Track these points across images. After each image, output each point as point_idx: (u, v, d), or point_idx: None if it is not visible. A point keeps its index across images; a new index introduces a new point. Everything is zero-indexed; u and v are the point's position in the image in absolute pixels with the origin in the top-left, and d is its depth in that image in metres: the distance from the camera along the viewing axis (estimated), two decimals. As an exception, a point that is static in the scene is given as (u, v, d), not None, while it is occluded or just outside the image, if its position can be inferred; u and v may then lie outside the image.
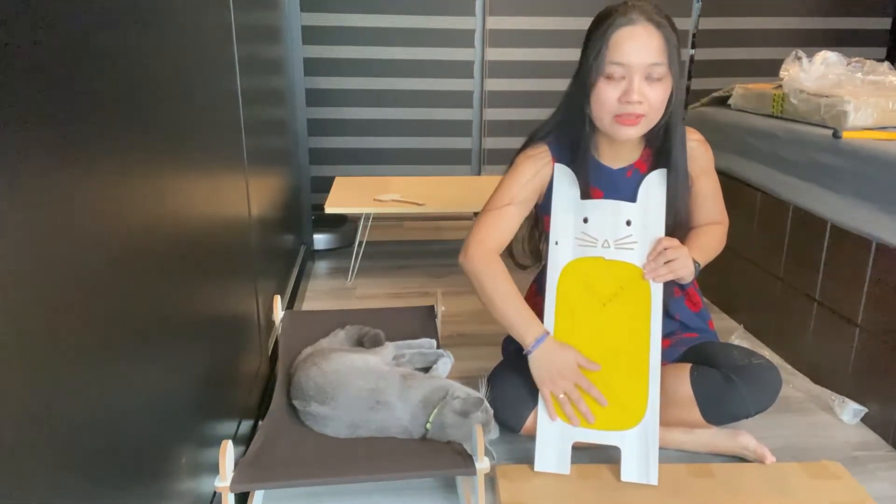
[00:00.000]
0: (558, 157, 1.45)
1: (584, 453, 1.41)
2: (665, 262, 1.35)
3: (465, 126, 3.16)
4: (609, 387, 1.36)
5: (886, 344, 1.53)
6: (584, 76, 1.32)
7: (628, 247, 1.39)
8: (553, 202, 1.43)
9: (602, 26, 1.29)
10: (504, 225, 1.44)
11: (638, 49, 1.26)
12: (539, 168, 1.44)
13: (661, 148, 1.40)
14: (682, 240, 1.42)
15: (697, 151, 1.45)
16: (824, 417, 1.63)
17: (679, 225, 1.42)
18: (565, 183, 1.43)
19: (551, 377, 1.36)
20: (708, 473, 1.37)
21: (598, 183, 1.43)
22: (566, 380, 1.35)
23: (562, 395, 1.35)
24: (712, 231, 1.49)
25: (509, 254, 1.53)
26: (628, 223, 1.39)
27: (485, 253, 1.42)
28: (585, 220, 1.41)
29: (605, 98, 1.30)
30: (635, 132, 1.33)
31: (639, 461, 1.33)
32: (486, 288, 1.41)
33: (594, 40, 1.29)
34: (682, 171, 1.40)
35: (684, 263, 1.35)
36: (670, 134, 1.37)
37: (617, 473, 1.34)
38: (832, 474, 1.37)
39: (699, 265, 1.41)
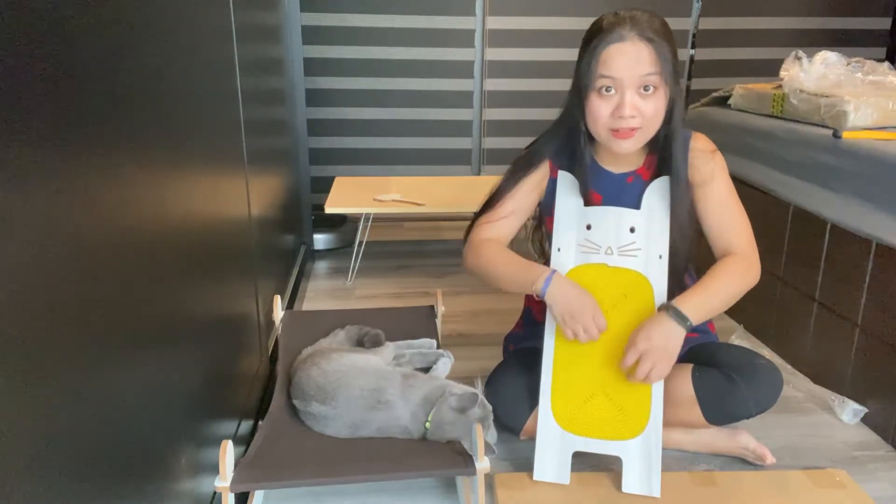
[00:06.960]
0: (558, 162, 1.44)
1: (584, 461, 1.39)
2: (641, 369, 1.28)
3: (465, 126, 3.16)
4: (611, 395, 1.35)
5: (886, 344, 1.53)
6: (578, 91, 1.32)
7: (632, 254, 1.37)
8: (556, 209, 1.42)
9: (593, 42, 1.27)
10: (500, 234, 1.46)
11: (628, 63, 1.25)
12: (538, 181, 1.46)
13: (663, 155, 1.38)
14: (685, 254, 1.39)
15: (698, 160, 1.39)
16: (824, 417, 1.63)
17: (684, 235, 1.38)
18: (568, 190, 1.42)
19: (571, 311, 1.30)
20: (711, 482, 1.35)
21: (598, 187, 1.43)
22: (586, 313, 1.29)
23: (582, 333, 1.30)
24: (727, 271, 1.35)
25: None
26: (632, 230, 1.38)
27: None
28: (588, 227, 1.40)
29: (598, 113, 1.30)
30: (632, 145, 1.33)
31: (640, 472, 1.31)
32: (483, 263, 1.41)
33: (585, 56, 1.28)
34: (684, 180, 1.38)
35: (660, 371, 1.28)
36: (671, 142, 1.36)
37: (618, 482, 1.33)
38: (838, 483, 1.36)
39: (690, 322, 1.28)
